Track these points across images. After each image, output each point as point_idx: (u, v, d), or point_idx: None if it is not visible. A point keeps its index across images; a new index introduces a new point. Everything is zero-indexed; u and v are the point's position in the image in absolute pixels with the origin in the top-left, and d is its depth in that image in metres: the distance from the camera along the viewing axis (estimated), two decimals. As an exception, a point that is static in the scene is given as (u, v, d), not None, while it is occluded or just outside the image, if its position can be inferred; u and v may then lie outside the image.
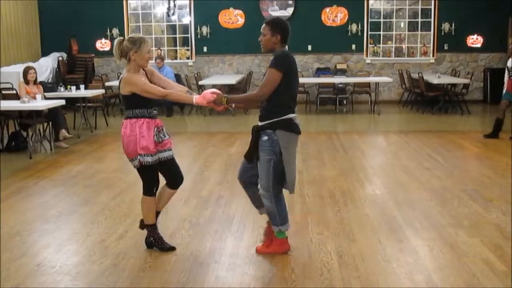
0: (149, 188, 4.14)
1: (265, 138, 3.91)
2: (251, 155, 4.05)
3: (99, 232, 4.67)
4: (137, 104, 4.02)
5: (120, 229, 4.72)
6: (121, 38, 4.10)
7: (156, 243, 4.22)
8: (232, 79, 12.71)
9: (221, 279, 3.73)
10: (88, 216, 5.15)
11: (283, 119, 3.91)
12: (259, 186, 4.03)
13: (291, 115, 3.94)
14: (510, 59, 9.19)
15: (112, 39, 14.17)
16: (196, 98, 3.97)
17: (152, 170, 4.09)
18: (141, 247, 4.27)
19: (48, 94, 9.10)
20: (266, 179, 3.96)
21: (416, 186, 6.07)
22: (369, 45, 14.38)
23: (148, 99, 4.02)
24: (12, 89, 9.88)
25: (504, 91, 9.10)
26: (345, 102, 13.38)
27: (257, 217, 4.87)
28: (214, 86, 12.81)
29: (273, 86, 3.84)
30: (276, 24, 3.94)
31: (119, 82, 4.07)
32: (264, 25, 3.97)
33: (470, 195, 5.64)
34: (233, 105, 4.23)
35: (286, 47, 4.00)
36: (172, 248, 4.21)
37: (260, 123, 3.97)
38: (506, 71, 9.12)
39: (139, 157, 4.00)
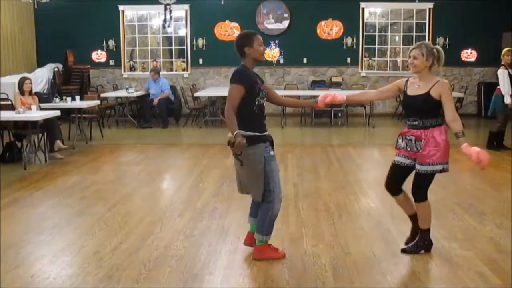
0: (426, 193, 4.28)
1: None
2: None
3: (93, 243, 4.66)
4: None
5: (115, 240, 4.71)
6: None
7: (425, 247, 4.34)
8: (227, 91, 12.64)
9: (216, 291, 3.73)
10: (83, 227, 5.14)
11: None
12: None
13: None
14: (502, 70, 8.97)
15: (108, 51, 14.19)
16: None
17: None
18: (136, 259, 4.27)
19: (43, 105, 9.09)
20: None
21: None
22: (364, 59, 14.47)
23: None
24: (8, 99, 9.88)
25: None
26: (340, 115, 13.42)
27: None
28: (209, 98, 12.93)
29: None
30: None
31: (436, 89, 4.35)
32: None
33: (465, 208, 5.66)
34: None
35: None
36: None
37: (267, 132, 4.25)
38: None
39: (444, 164, 4.24)
